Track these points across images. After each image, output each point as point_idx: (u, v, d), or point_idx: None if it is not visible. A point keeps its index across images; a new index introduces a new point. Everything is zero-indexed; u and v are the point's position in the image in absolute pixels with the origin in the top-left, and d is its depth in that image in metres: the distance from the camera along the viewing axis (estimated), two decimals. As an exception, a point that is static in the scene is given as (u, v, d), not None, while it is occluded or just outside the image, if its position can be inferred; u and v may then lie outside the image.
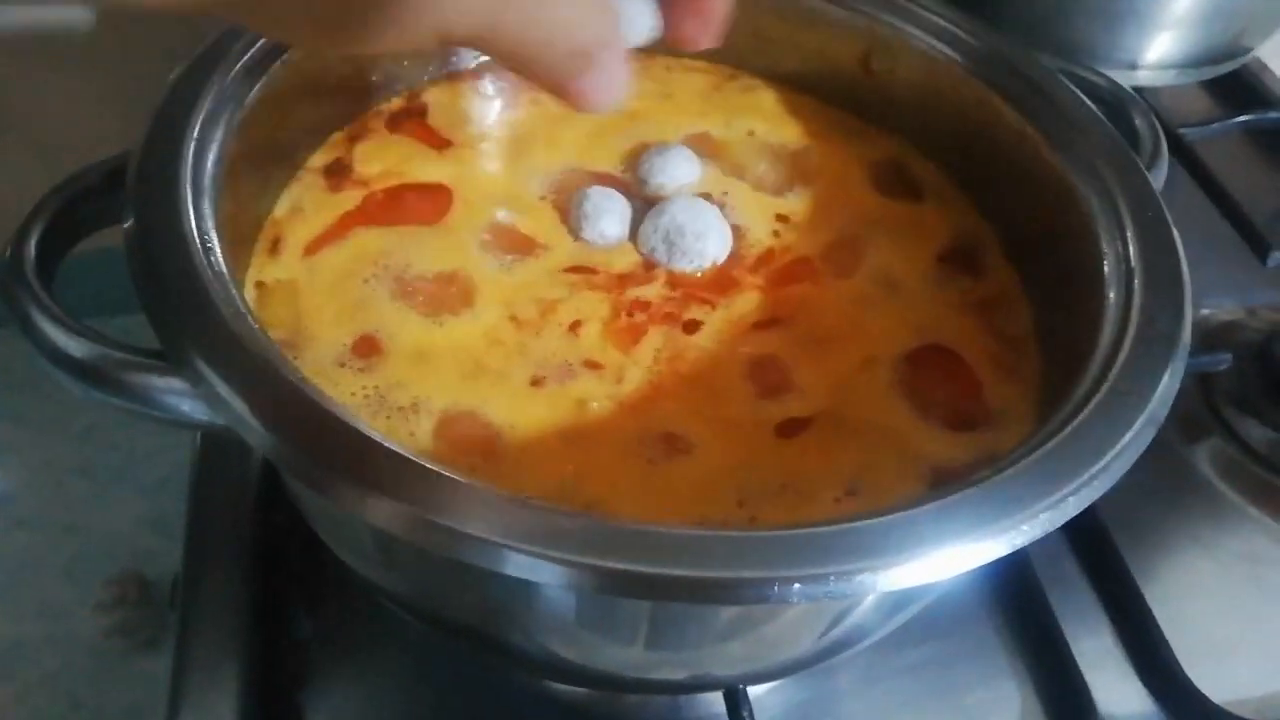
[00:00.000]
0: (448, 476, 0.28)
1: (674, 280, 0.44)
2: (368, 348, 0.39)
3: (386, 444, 0.29)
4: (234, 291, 0.33)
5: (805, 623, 0.36)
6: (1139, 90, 0.73)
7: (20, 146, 1.05)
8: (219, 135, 0.38)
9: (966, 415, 0.40)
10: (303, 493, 0.39)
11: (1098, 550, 0.51)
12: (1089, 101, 0.45)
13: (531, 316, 0.42)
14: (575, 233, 0.45)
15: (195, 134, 0.37)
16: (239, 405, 0.29)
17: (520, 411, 0.39)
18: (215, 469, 0.50)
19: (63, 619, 0.74)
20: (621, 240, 0.45)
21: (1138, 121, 0.45)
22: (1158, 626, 0.48)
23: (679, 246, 0.44)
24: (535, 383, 0.40)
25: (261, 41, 0.41)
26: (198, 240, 0.33)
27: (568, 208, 0.46)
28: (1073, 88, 0.45)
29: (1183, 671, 0.47)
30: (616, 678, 0.41)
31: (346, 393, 0.38)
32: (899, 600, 0.37)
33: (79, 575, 0.75)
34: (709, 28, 0.33)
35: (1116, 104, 0.47)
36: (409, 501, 0.28)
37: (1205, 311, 0.64)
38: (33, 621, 0.74)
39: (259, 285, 0.41)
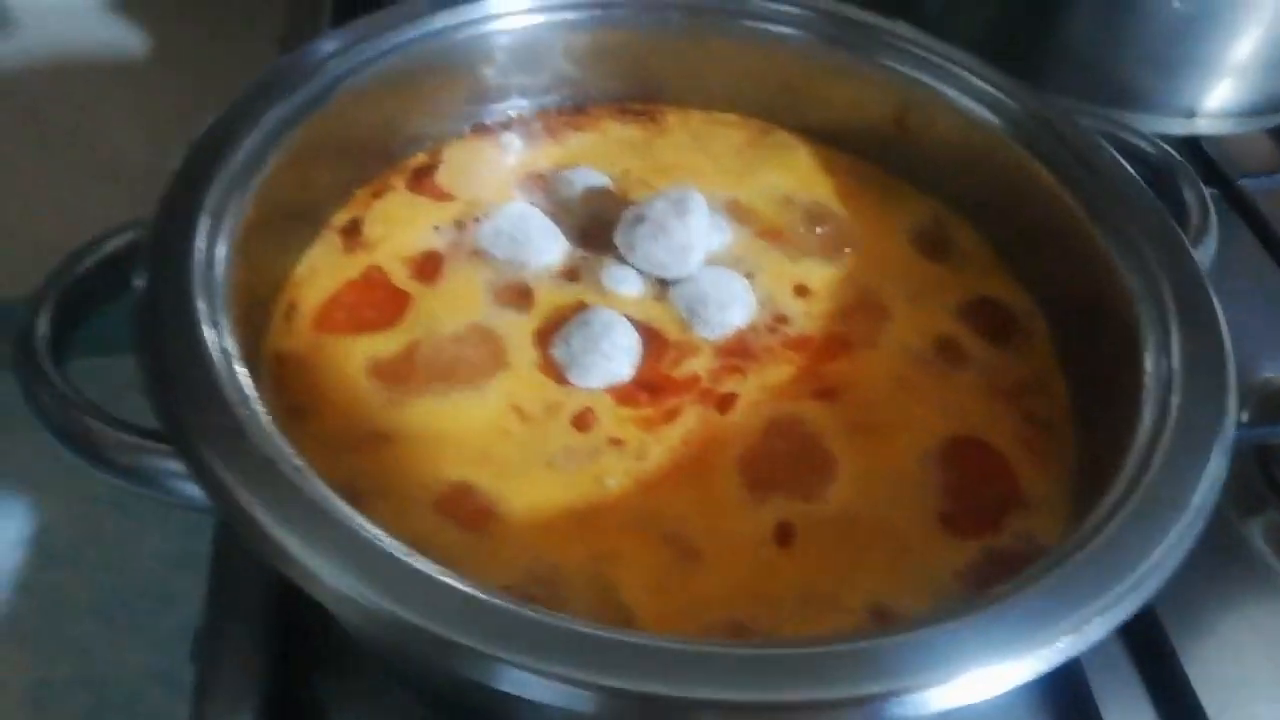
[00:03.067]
0: (473, 594, 0.28)
1: (715, 350, 0.43)
2: (377, 438, 0.39)
3: (368, 534, 0.29)
4: (240, 371, 0.32)
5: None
6: (1196, 139, 0.71)
7: (86, 165, 1.09)
8: (235, 202, 0.38)
9: (999, 507, 0.38)
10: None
11: (1141, 627, 0.49)
12: (1133, 171, 0.43)
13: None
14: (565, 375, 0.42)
15: (209, 203, 0.37)
16: (239, 495, 0.29)
17: (531, 488, 0.38)
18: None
19: (92, 658, 0.74)
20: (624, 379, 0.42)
21: (1185, 191, 0.43)
22: (1204, 715, 0.46)
23: (701, 315, 0.44)
24: (549, 463, 0.39)
25: (285, 103, 0.41)
26: (205, 319, 0.33)
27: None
28: (1116, 155, 0.43)
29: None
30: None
31: (350, 470, 0.37)
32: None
33: (109, 614, 0.76)
34: None
35: (1164, 170, 0.45)
36: (409, 613, 0.27)
37: (1265, 375, 0.61)
38: (62, 660, 0.75)
39: (277, 356, 0.41)
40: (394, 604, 0.27)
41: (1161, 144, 0.45)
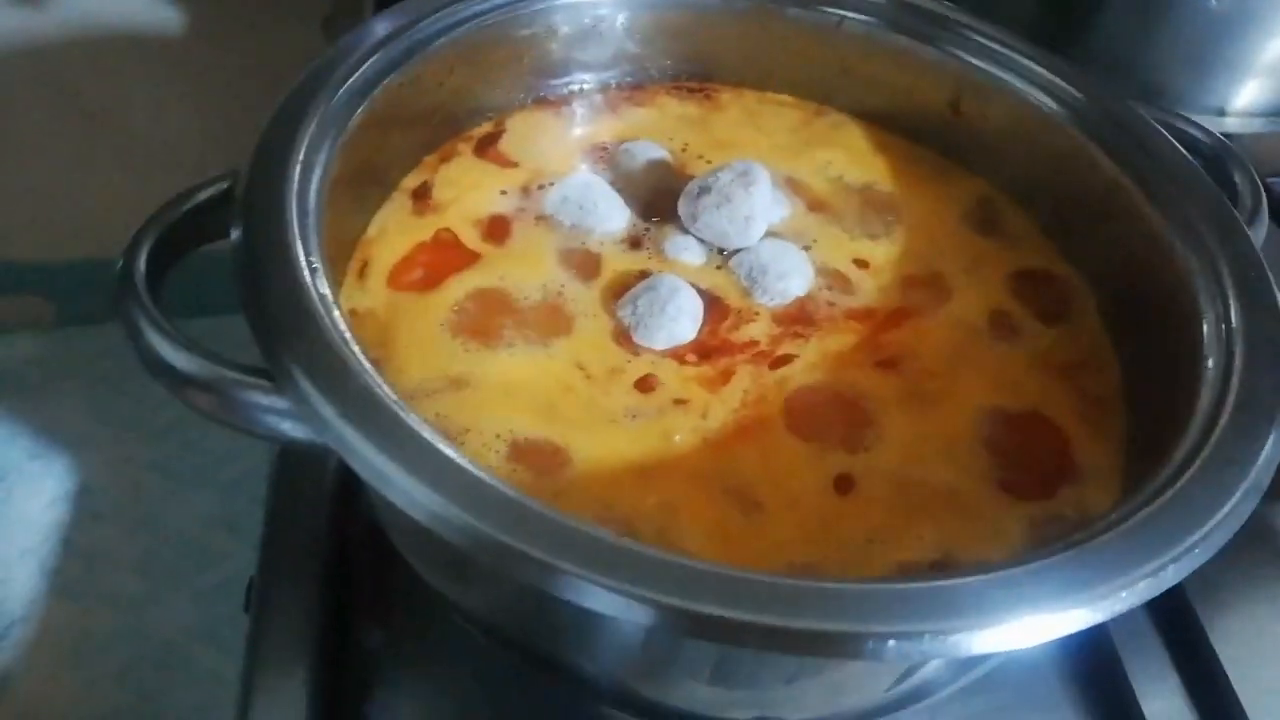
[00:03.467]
0: (553, 516, 0.29)
1: (775, 317, 0.44)
2: (451, 384, 0.40)
3: (464, 463, 0.30)
4: (337, 315, 0.33)
5: (881, 672, 0.36)
6: (1226, 138, 0.72)
7: (117, 145, 1.10)
8: (322, 158, 0.39)
9: (1052, 477, 0.39)
10: (381, 505, 0.39)
11: (1173, 610, 0.50)
12: (1186, 153, 0.44)
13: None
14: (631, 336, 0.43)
15: (301, 156, 0.38)
16: (343, 427, 0.30)
17: (601, 441, 0.39)
18: (292, 477, 0.51)
19: (133, 612, 0.76)
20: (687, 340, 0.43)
21: (1237, 177, 0.44)
22: (1235, 696, 0.47)
23: (760, 284, 0.45)
24: (614, 419, 0.40)
25: (366, 66, 0.42)
26: (304, 263, 0.34)
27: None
28: (1171, 140, 0.44)
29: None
30: (684, 713, 0.41)
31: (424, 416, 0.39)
32: (979, 658, 0.37)
33: (151, 571, 0.77)
34: None
35: (1214, 158, 0.46)
36: (506, 535, 0.28)
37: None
38: (103, 614, 0.77)
39: (352, 312, 0.42)
40: (493, 527, 0.28)
41: (1213, 131, 0.47)
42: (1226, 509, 0.30)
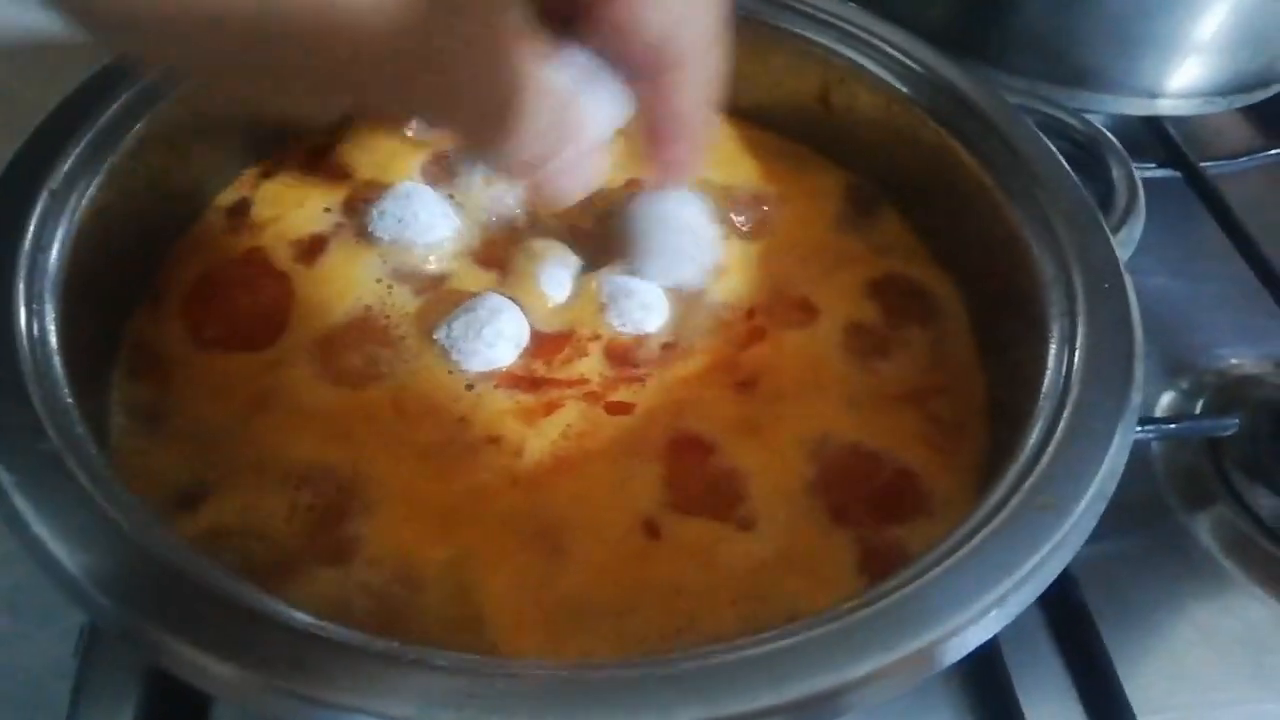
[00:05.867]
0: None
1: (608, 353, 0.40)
2: (251, 409, 0.37)
3: (122, 519, 0.27)
4: (55, 354, 0.30)
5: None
6: (1159, 120, 0.68)
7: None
8: (86, 181, 0.36)
9: (899, 512, 0.36)
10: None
11: (1073, 624, 0.46)
12: (1054, 150, 0.40)
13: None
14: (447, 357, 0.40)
15: (54, 184, 0.34)
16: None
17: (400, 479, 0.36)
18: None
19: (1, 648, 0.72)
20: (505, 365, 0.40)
21: (1114, 170, 0.41)
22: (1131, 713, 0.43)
23: (617, 307, 0.41)
24: (423, 453, 0.36)
25: (143, 84, 0.39)
26: (24, 302, 0.31)
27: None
28: (1038, 133, 0.41)
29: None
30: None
31: (205, 461, 0.35)
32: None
33: (19, 605, 0.74)
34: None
35: (1093, 149, 0.42)
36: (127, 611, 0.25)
37: (1224, 363, 0.58)
38: (-31, 651, 0.74)
39: (137, 344, 0.38)
40: (116, 600, 0.26)
41: (1090, 121, 0.43)
42: (1028, 567, 0.26)
